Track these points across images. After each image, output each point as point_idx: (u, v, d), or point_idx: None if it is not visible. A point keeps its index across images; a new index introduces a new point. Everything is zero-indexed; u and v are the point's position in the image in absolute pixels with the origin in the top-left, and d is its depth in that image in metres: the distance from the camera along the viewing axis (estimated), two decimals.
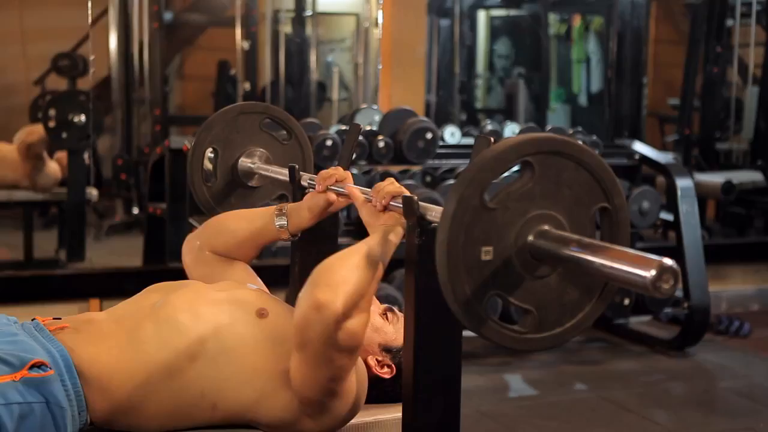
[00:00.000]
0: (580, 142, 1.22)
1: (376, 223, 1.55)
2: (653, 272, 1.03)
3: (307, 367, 1.50)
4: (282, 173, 1.96)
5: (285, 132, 2.10)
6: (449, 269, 1.16)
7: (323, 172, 1.76)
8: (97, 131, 5.21)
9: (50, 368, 1.51)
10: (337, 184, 1.74)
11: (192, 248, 1.90)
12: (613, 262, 1.09)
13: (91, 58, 5.00)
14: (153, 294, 1.72)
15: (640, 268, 1.05)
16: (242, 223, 1.87)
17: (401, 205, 1.48)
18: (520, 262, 1.19)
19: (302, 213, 1.80)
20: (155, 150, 4.61)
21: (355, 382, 1.61)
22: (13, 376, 1.47)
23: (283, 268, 1.89)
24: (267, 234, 1.84)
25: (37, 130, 4.74)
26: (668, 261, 1.03)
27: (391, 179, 1.56)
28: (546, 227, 1.20)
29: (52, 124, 4.61)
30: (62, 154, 4.92)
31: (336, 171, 1.75)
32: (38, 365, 1.50)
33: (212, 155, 2.04)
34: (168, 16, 6.50)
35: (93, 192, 4.98)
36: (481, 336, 1.21)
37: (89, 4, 4.97)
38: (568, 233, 1.20)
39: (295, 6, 6.68)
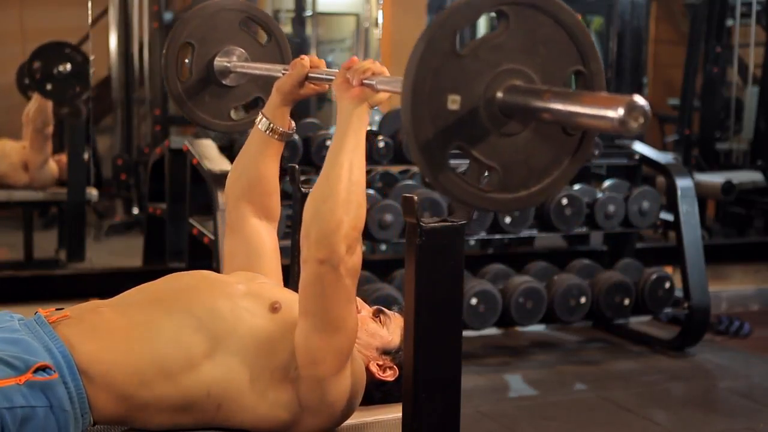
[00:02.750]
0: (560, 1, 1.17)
1: (344, 95, 1.52)
2: (621, 110, 1.00)
3: (315, 330, 1.52)
4: (258, 68, 1.92)
5: (265, 33, 2.05)
6: (413, 114, 1.12)
7: (296, 59, 1.75)
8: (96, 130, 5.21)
9: (54, 371, 1.50)
10: (312, 70, 1.73)
11: (231, 213, 1.88)
12: (582, 107, 1.06)
13: (91, 58, 5.00)
14: (162, 286, 1.69)
15: (609, 108, 1.02)
16: (245, 155, 1.86)
17: (374, 83, 1.46)
18: (487, 114, 1.15)
19: (274, 100, 1.79)
20: (155, 150, 4.61)
21: (353, 378, 1.61)
22: (17, 380, 1.46)
23: (284, 269, 1.89)
24: (266, 144, 1.82)
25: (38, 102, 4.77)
26: (638, 99, 1.01)
27: (373, 61, 1.53)
28: (517, 82, 1.15)
29: (37, 76, 4.61)
30: (62, 156, 4.92)
31: (311, 57, 1.74)
32: (43, 368, 1.49)
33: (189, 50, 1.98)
34: (168, 16, 6.49)
35: (93, 192, 4.99)
36: (440, 188, 1.16)
37: (89, 4, 4.96)
38: (538, 86, 1.15)
39: (295, 6, 6.67)
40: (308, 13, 6.64)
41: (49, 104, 4.77)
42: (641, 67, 6.13)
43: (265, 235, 1.86)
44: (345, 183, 1.47)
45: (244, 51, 2.00)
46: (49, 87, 4.65)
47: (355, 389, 1.63)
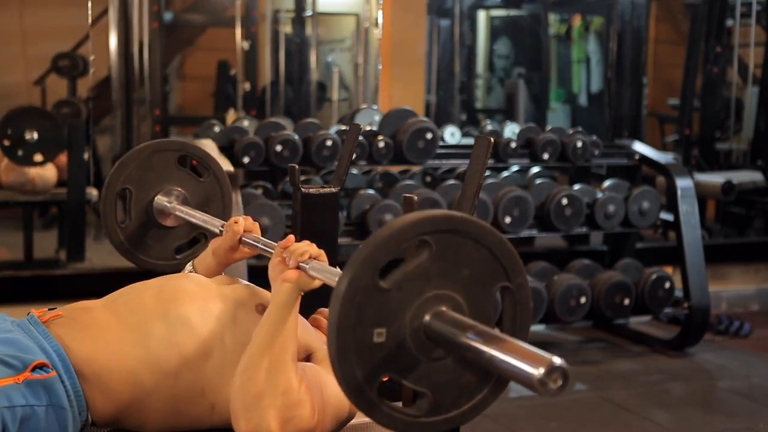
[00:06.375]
0: (479, 221, 1.16)
1: (278, 276, 1.50)
2: (541, 371, 1.00)
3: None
4: (196, 216, 1.91)
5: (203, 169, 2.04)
6: (338, 351, 1.11)
7: (229, 222, 1.74)
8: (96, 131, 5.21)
9: (52, 369, 1.50)
10: (246, 235, 1.72)
11: None
12: (503, 355, 1.05)
13: (91, 58, 5.00)
14: (154, 286, 1.68)
15: (530, 365, 1.01)
16: None
17: (308, 269, 1.46)
18: (414, 344, 1.14)
19: (207, 259, 1.79)
20: None
21: (337, 396, 1.60)
22: (15, 379, 1.46)
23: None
24: None
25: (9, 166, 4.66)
26: (557, 360, 1.00)
27: (310, 243, 1.51)
28: (443, 308, 1.15)
29: (6, 142, 4.48)
30: (62, 156, 4.91)
31: (245, 219, 1.73)
32: (40, 366, 1.50)
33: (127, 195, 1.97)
34: (168, 16, 6.49)
35: (93, 192, 4.98)
36: (379, 422, 1.16)
37: (89, 4, 4.97)
38: (463, 317, 1.15)
39: (295, 6, 6.67)
40: (308, 13, 6.64)
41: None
42: (641, 67, 6.14)
43: None
44: (266, 354, 1.45)
45: (182, 190, 1.99)
46: (20, 153, 4.49)
47: (341, 409, 1.60)
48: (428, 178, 4.89)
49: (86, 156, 4.91)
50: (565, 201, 4.03)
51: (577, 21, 8.16)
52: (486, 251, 1.17)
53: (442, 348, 1.15)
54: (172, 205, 1.97)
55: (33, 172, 4.70)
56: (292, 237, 1.53)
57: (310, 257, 1.48)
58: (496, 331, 1.12)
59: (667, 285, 4.14)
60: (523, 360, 1.03)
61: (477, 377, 1.20)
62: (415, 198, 1.46)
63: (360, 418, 1.71)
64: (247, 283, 1.76)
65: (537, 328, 4.29)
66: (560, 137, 4.24)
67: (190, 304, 1.61)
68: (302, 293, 1.50)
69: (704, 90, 6.43)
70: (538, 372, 1.00)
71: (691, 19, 6.57)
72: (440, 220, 1.14)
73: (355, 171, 4.69)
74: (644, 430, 3.28)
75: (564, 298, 3.95)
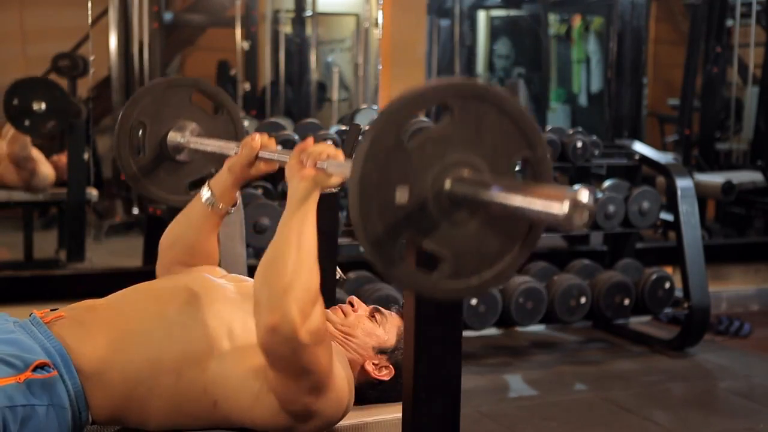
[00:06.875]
0: (501, 90, 1.19)
1: (295, 175, 1.49)
2: (566, 206, 1.02)
3: (286, 379, 1.50)
4: (210, 144, 1.92)
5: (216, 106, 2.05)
6: (361, 208, 1.12)
7: (246, 139, 1.73)
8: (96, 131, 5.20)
9: (53, 369, 1.50)
10: (263, 150, 1.71)
11: (163, 273, 1.86)
12: (527, 201, 1.07)
13: (91, 58, 5.00)
14: (158, 286, 1.69)
15: (554, 203, 1.03)
16: (182, 222, 1.85)
17: (326, 167, 1.45)
18: (436, 206, 1.16)
19: (222, 176, 1.77)
20: None
21: (342, 377, 1.61)
22: (17, 378, 1.46)
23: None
24: (206, 217, 1.80)
25: (15, 136, 4.70)
26: (583, 194, 1.02)
27: (328, 144, 1.51)
28: (464, 172, 1.17)
29: (13, 112, 4.49)
30: (60, 156, 4.91)
31: (261, 135, 1.72)
32: (42, 366, 1.50)
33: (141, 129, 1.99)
34: (168, 16, 6.49)
35: (93, 192, 4.98)
36: (395, 281, 1.17)
37: (89, 4, 4.96)
38: (485, 177, 1.17)
39: (295, 6, 6.67)
40: (308, 13, 6.65)
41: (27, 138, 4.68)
42: (641, 67, 6.15)
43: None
44: (294, 249, 1.44)
45: (196, 125, 2.00)
46: (27, 123, 4.50)
47: (346, 391, 1.62)
48: None
49: (86, 156, 4.91)
50: None
51: (577, 21, 8.16)
52: (508, 120, 1.18)
53: (465, 209, 1.17)
54: (186, 139, 1.98)
55: (35, 153, 4.71)
56: (311, 139, 1.50)
57: (327, 157, 1.46)
58: (518, 180, 1.15)
59: (667, 285, 4.14)
60: (547, 200, 1.04)
61: (499, 244, 1.21)
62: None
63: (360, 418, 1.71)
64: (250, 280, 1.76)
65: (537, 328, 4.29)
66: (560, 137, 4.24)
67: (193, 302, 1.61)
68: (321, 191, 1.49)
69: (704, 90, 6.43)
70: (562, 208, 1.02)
71: (691, 19, 6.57)
72: (463, 86, 1.17)
73: None
74: (644, 430, 3.28)
75: (564, 298, 3.95)
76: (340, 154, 1.46)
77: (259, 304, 1.45)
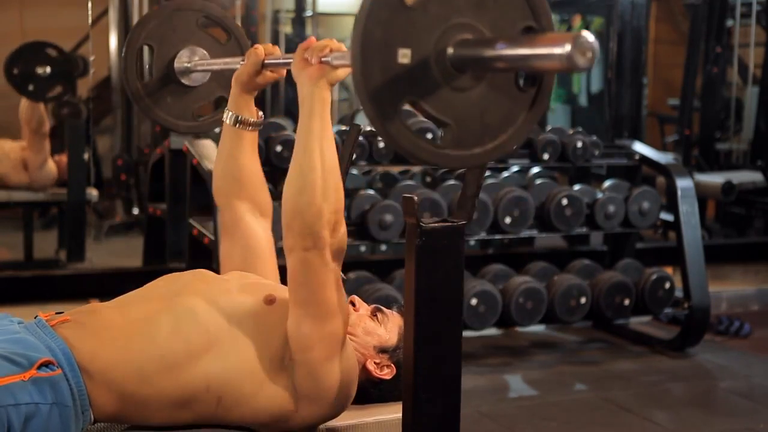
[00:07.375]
0: None
1: (302, 73, 1.50)
2: (568, 46, 1.01)
3: (307, 317, 1.54)
4: (216, 63, 1.92)
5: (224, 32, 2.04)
6: (363, 67, 1.11)
7: (250, 49, 1.74)
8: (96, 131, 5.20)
9: (57, 367, 1.51)
10: (268, 57, 1.72)
11: (224, 206, 1.88)
12: (530, 49, 1.06)
13: (91, 58, 5.00)
14: (160, 285, 1.70)
15: (556, 46, 1.02)
16: (221, 157, 1.86)
17: (330, 60, 1.44)
18: (438, 68, 1.15)
19: (234, 92, 1.79)
20: (155, 150, 4.61)
21: (352, 355, 1.63)
22: (22, 376, 1.47)
23: (282, 268, 1.89)
24: (238, 138, 1.82)
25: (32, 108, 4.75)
26: (586, 34, 1.01)
27: (330, 39, 1.50)
28: (468, 36, 1.15)
29: (17, 79, 4.58)
30: (61, 156, 4.92)
31: (265, 45, 1.73)
32: (46, 364, 1.50)
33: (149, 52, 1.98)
34: None
35: (93, 192, 4.99)
36: (389, 139, 1.15)
37: (89, 4, 4.96)
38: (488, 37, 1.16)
39: (295, 6, 6.67)
40: (308, 13, 6.64)
41: (41, 105, 4.75)
42: (641, 67, 6.13)
43: (261, 233, 1.86)
44: (319, 171, 1.48)
45: (204, 51, 2.00)
46: (30, 88, 4.62)
47: (349, 376, 1.64)
48: (428, 179, 4.89)
49: (86, 156, 4.91)
50: (565, 201, 4.03)
51: (577, 21, 8.17)
52: None
53: (468, 74, 1.16)
54: (193, 62, 1.98)
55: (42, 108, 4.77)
56: (313, 38, 1.51)
57: (331, 51, 1.46)
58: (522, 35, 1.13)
59: (667, 285, 4.14)
60: (550, 45, 1.04)
61: (502, 115, 1.20)
62: (416, 198, 1.46)
63: (360, 418, 1.71)
64: (258, 277, 1.76)
65: (537, 328, 4.29)
66: (560, 137, 4.24)
67: (197, 299, 1.62)
68: (330, 85, 1.49)
69: (704, 90, 6.43)
70: (564, 49, 1.01)
71: (691, 19, 6.57)
72: None
73: (355, 171, 4.69)
74: (644, 430, 3.28)
75: (564, 299, 3.95)
76: (342, 47, 1.47)
77: (292, 230, 1.50)
